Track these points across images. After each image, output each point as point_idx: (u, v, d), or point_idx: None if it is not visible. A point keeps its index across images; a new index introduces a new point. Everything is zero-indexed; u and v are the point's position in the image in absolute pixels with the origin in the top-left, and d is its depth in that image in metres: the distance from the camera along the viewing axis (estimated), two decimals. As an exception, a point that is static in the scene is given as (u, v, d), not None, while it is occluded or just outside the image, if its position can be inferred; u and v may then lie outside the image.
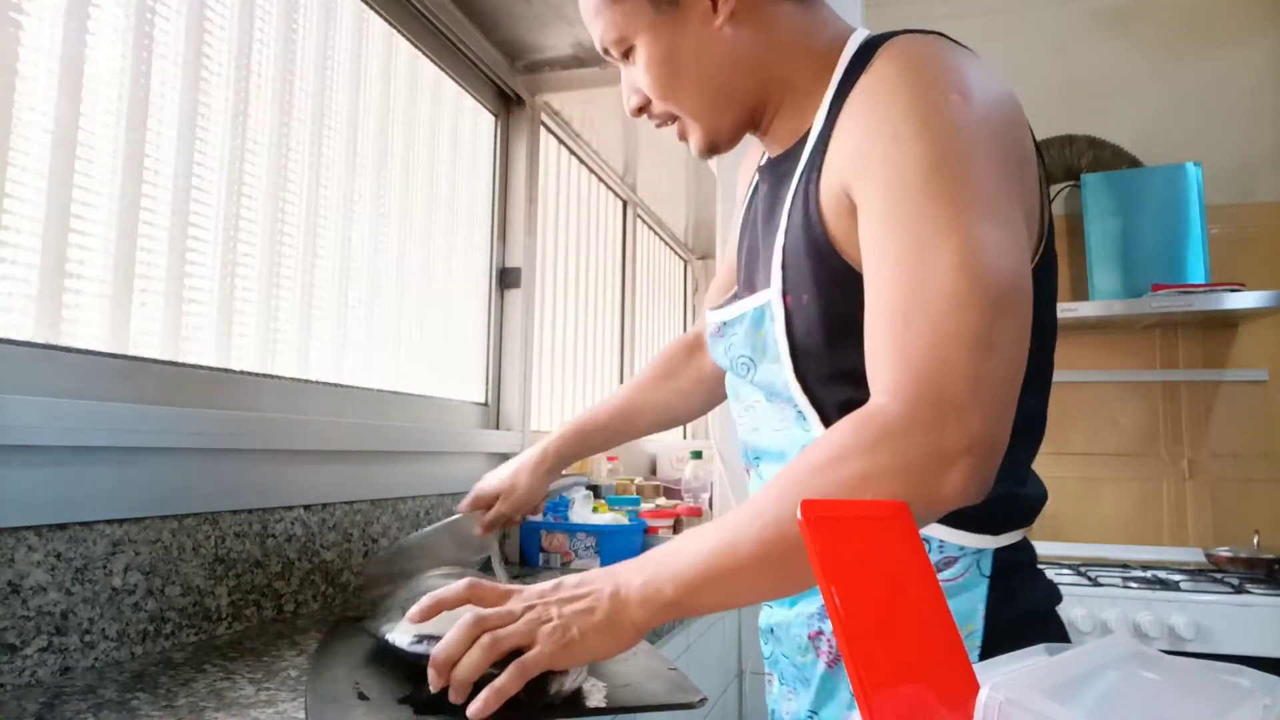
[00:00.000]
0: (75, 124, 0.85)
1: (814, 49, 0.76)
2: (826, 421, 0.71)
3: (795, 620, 0.78)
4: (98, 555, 0.80)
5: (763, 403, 0.78)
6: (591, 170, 2.51)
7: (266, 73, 1.13)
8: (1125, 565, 2.19)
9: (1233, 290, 2.20)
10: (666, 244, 3.35)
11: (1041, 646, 0.44)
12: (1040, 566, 0.77)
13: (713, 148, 0.81)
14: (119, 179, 0.91)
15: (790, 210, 0.73)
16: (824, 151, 0.70)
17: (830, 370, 0.70)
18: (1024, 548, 0.74)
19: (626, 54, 0.78)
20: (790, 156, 0.77)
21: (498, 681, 0.59)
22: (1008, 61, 2.72)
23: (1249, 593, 1.83)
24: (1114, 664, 0.40)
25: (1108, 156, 2.50)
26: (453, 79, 1.64)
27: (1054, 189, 2.62)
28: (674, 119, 0.80)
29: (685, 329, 3.61)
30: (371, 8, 1.38)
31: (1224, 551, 2.16)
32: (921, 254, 0.59)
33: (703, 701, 0.67)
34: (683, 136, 0.82)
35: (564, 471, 1.14)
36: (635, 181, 2.78)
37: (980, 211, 0.59)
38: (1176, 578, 1.97)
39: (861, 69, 0.69)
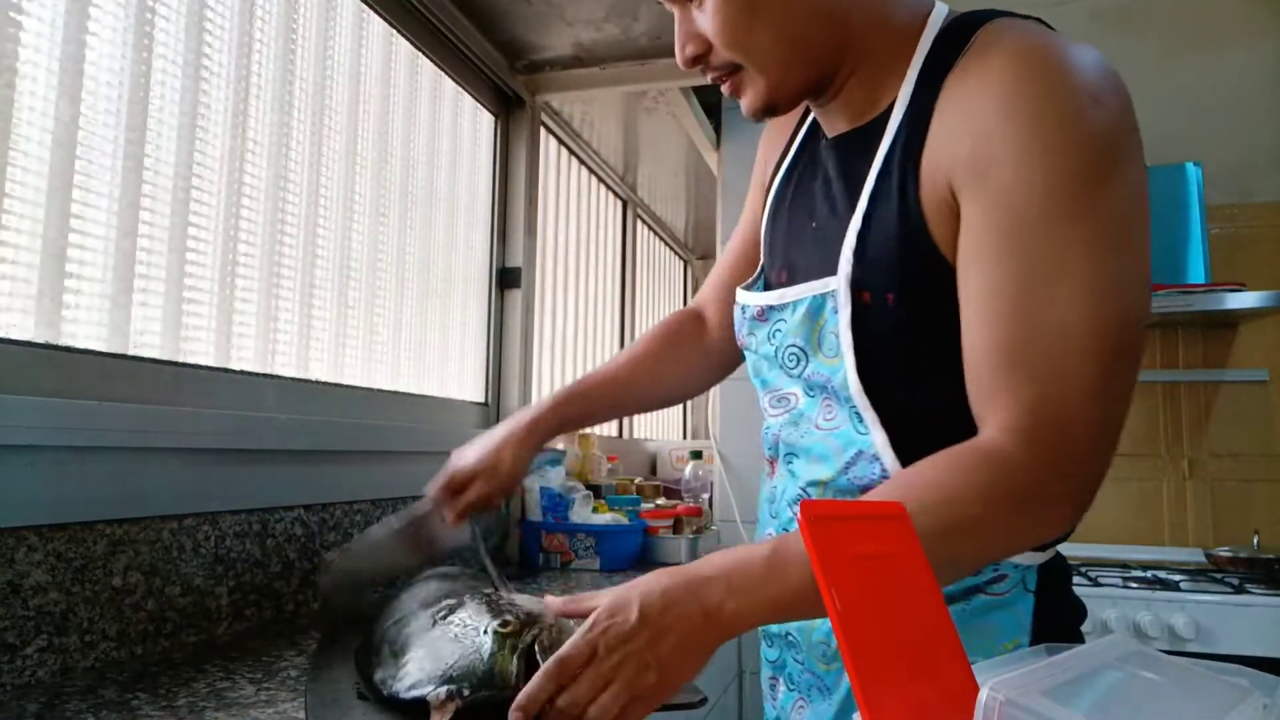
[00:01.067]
0: (75, 124, 0.85)
1: (894, 16, 0.71)
2: (889, 428, 0.66)
3: (820, 626, 0.75)
4: (98, 555, 0.80)
5: (802, 396, 0.74)
6: (591, 170, 2.51)
7: (266, 73, 1.13)
8: (1125, 565, 2.19)
9: (1233, 290, 2.20)
10: (666, 244, 3.35)
11: (1042, 647, 0.44)
12: (1104, 594, 0.79)
13: (770, 106, 0.74)
14: (119, 179, 0.91)
15: (874, 195, 0.68)
16: (922, 137, 0.65)
17: (904, 375, 0.66)
18: (1060, 559, 0.73)
19: None
20: (869, 133, 0.71)
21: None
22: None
23: (1249, 593, 1.83)
24: (1114, 664, 0.41)
25: (1108, 156, 2.50)
26: (453, 79, 1.64)
27: (1054, 189, 2.61)
28: (732, 72, 0.73)
29: (685, 329, 3.61)
30: (371, 8, 1.38)
31: (1224, 551, 2.16)
32: (1043, 284, 0.57)
33: (703, 701, 0.67)
34: (735, 93, 0.74)
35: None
36: (635, 181, 2.78)
37: (1110, 240, 0.56)
38: (1176, 578, 1.97)
39: (952, 49, 0.65)
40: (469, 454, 0.95)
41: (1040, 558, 0.69)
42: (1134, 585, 1.88)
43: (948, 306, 0.63)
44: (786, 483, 0.78)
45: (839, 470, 0.70)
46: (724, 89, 0.75)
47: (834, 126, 0.77)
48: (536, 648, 0.62)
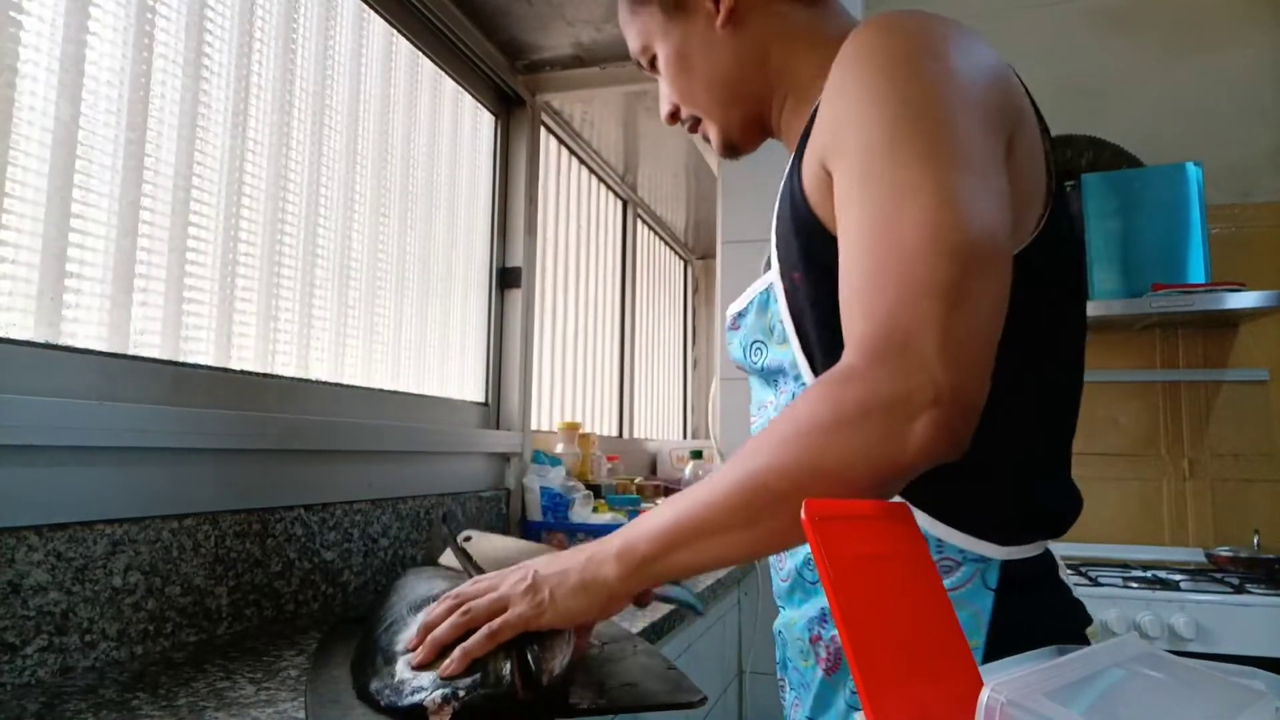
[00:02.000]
0: (75, 124, 0.85)
1: (818, 43, 0.76)
2: None
3: (799, 622, 0.76)
4: (98, 555, 0.80)
5: (773, 401, 0.78)
6: (591, 170, 2.51)
7: (266, 73, 1.13)
8: (1125, 565, 2.19)
9: (1233, 290, 2.20)
10: (666, 244, 3.35)
11: (1052, 648, 0.44)
12: (1066, 582, 0.71)
13: (730, 144, 0.85)
14: (119, 179, 0.90)
15: (781, 194, 0.73)
16: (808, 134, 0.69)
17: (834, 348, 0.66)
18: (1042, 560, 0.68)
19: (652, 62, 0.84)
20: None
21: (467, 643, 0.61)
22: (1008, 61, 2.72)
23: (1249, 593, 1.83)
24: (1122, 665, 0.40)
25: (1108, 156, 2.51)
26: (453, 79, 1.64)
27: (1054, 189, 2.61)
28: (698, 122, 0.85)
29: (686, 329, 3.61)
30: (371, 7, 1.38)
31: (1224, 551, 2.16)
32: (892, 212, 0.56)
33: (703, 701, 0.67)
34: (705, 138, 0.86)
35: None
36: (635, 181, 2.78)
37: (952, 164, 0.56)
38: (1176, 578, 1.97)
39: None
40: None
41: (1004, 552, 0.64)
42: (1134, 585, 1.88)
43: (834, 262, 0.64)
44: None
45: None
46: (700, 136, 0.86)
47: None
48: (524, 639, 0.62)
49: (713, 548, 0.58)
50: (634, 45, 0.85)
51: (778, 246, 0.73)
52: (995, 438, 0.63)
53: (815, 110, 0.70)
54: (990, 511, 0.64)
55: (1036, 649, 0.45)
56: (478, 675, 0.60)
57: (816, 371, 0.70)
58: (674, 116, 0.86)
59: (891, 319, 0.53)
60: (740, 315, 0.81)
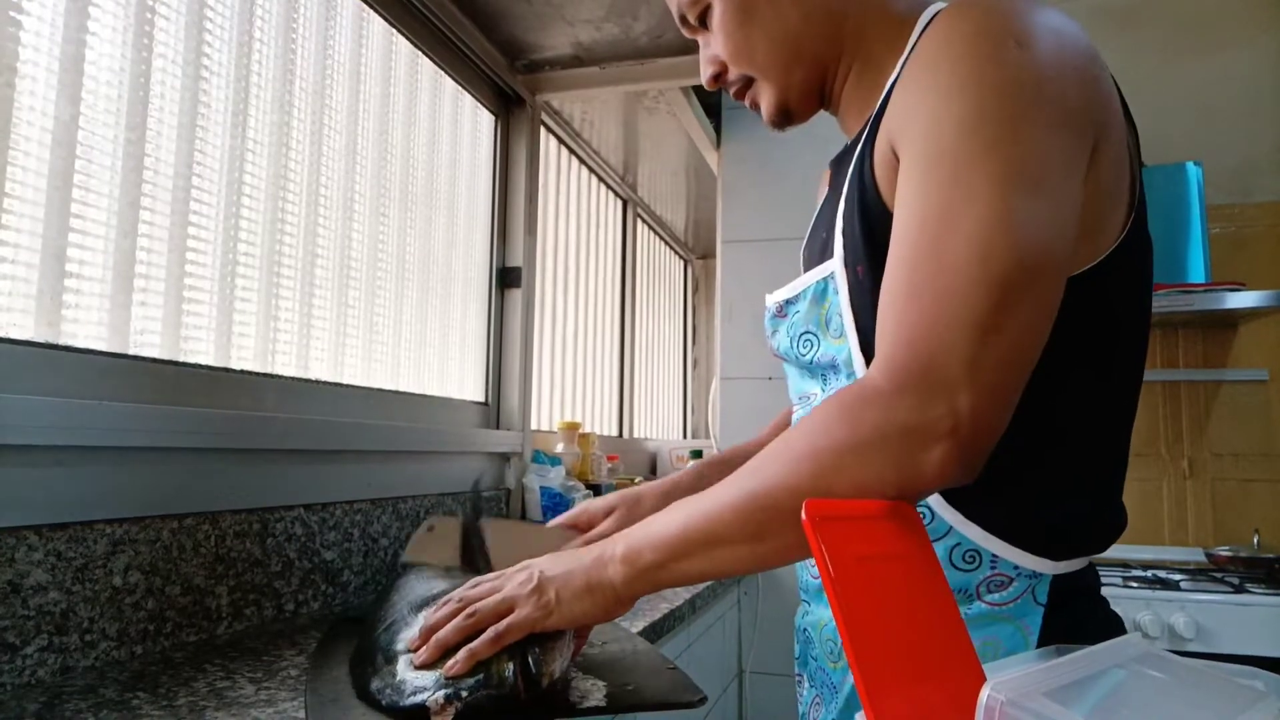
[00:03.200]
0: (75, 124, 0.85)
1: (890, 15, 0.73)
2: None
3: (830, 624, 0.75)
4: (98, 555, 0.80)
5: (820, 395, 0.75)
6: (591, 170, 2.51)
7: (266, 73, 1.13)
8: (1125, 565, 2.19)
9: (1233, 290, 2.20)
10: (666, 244, 3.34)
11: (1053, 647, 0.44)
12: (1104, 595, 0.71)
13: (784, 110, 0.78)
14: (119, 179, 0.90)
15: (850, 177, 0.70)
16: (882, 115, 0.66)
17: None
18: (1087, 573, 0.67)
19: (703, 18, 0.78)
20: (864, 129, 0.73)
21: (474, 645, 0.61)
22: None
23: (1249, 593, 1.83)
24: (1123, 665, 0.40)
25: (1108, 156, 2.50)
26: (453, 78, 1.64)
27: (1054, 189, 2.61)
28: (747, 86, 0.79)
29: (685, 329, 3.61)
30: (371, 7, 1.38)
31: (1224, 551, 2.16)
32: (944, 222, 0.54)
33: (702, 700, 0.67)
34: (754, 105, 0.80)
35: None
36: (635, 181, 2.78)
37: (1019, 180, 0.53)
38: (1176, 577, 1.97)
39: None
40: (600, 500, 0.95)
41: (1056, 567, 0.63)
42: (1134, 585, 1.88)
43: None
44: None
45: None
46: (746, 103, 0.80)
47: (849, 132, 0.79)
48: (526, 640, 0.62)
49: (719, 559, 0.58)
50: None
51: (844, 233, 0.69)
52: (1059, 454, 0.63)
53: (889, 90, 0.67)
54: (1046, 528, 0.63)
55: (1038, 649, 0.45)
56: (481, 676, 0.60)
57: None
58: (717, 79, 0.80)
59: (923, 343, 0.52)
60: (789, 303, 0.78)
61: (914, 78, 0.61)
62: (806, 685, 0.81)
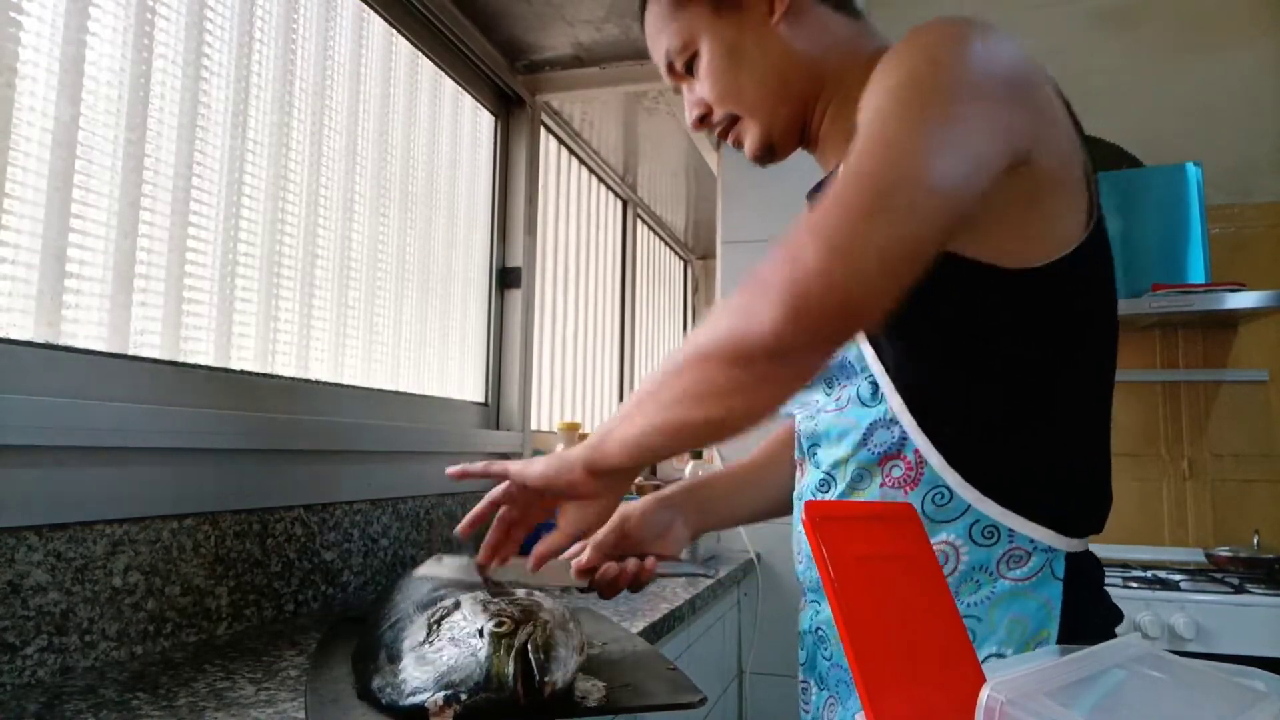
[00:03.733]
0: (75, 124, 0.85)
1: (862, 56, 0.79)
2: (904, 393, 0.71)
3: None
4: (98, 555, 0.80)
5: (821, 400, 0.79)
6: (591, 170, 2.51)
7: (266, 73, 1.13)
8: (1125, 565, 2.19)
9: (1233, 290, 2.20)
10: (666, 244, 3.35)
11: (1054, 647, 0.44)
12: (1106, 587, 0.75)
13: (768, 147, 0.83)
14: (119, 179, 0.90)
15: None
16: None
17: (898, 337, 0.71)
18: (1097, 563, 0.72)
19: (689, 64, 0.83)
20: (836, 166, 0.79)
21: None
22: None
23: (1249, 593, 1.83)
24: (1123, 665, 0.40)
25: (1108, 156, 2.51)
26: (453, 79, 1.64)
27: (1054, 189, 2.61)
28: (732, 125, 0.83)
29: (685, 329, 3.61)
30: (371, 8, 1.38)
31: (1224, 551, 2.16)
32: (863, 158, 0.59)
33: (702, 701, 0.67)
34: (738, 143, 0.85)
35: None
36: (635, 181, 2.78)
37: (926, 122, 0.59)
38: (1176, 578, 1.97)
39: None
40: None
41: (1068, 543, 0.68)
42: (1134, 585, 1.88)
43: None
44: (810, 474, 0.81)
45: (857, 444, 0.73)
46: (730, 142, 0.85)
47: (827, 167, 0.85)
48: (530, 646, 0.62)
49: (636, 444, 0.68)
50: (672, 45, 0.83)
51: None
52: (1057, 432, 0.69)
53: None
54: (1056, 503, 0.68)
55: (1038, 649, 0.46)
56: (481, 678, 0.59)
57: (885, 365, 0.71)
58: (703, 120, 0.84)
59: (800, 228, 0.57)
60: None
61: (868, 88, 0.67)
62: (815, 689, 0.81)
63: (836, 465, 0.76)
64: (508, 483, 0.79)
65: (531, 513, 0.82)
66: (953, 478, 0.68)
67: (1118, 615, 0.74)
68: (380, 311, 1.40)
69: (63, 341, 0.84)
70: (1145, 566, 2.17)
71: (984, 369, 0.68)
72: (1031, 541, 0.67)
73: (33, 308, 0.81)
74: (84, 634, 0.78)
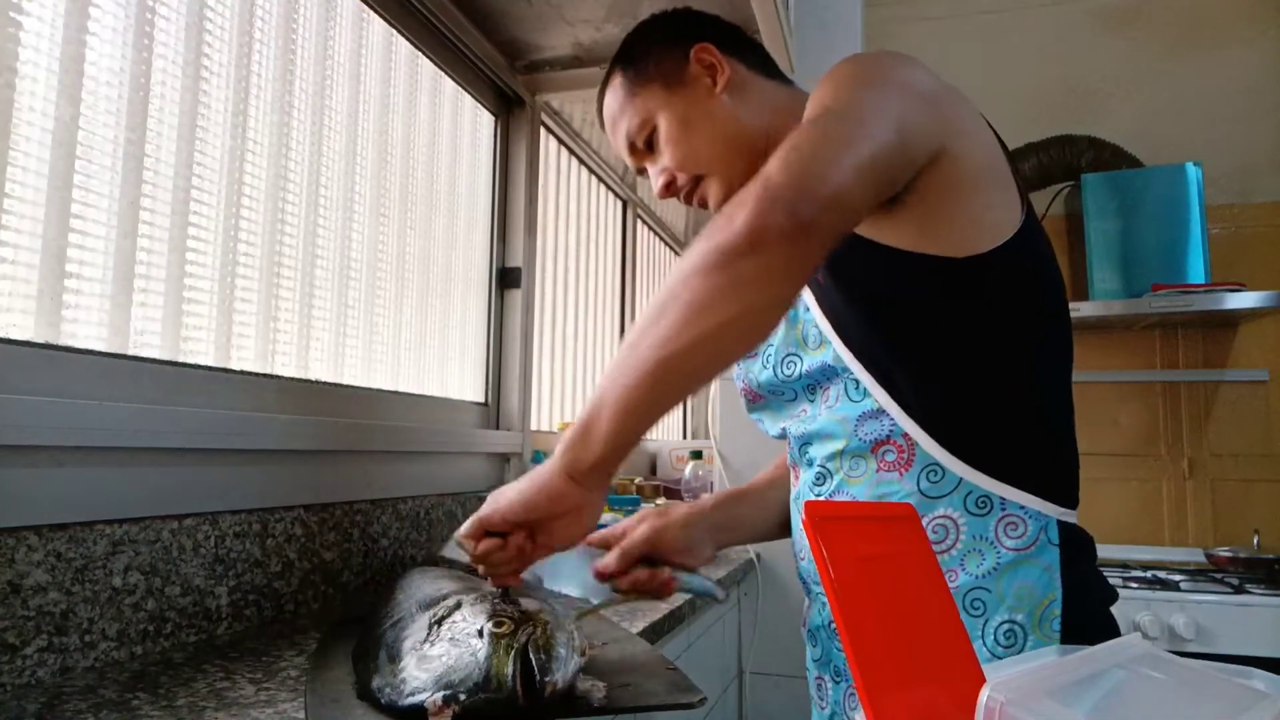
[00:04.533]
0: (75, 124, 0.85)
1: (798, 110, 0.87)
2: (885, 385, 0.76)
3: None
4: (98, 555, 0.80)
5: (810, 410, 0.84)
6: (591, 170, 2.51)
7: (266, 73, 1.13)
8: (1125, 565, 2.19)
9: (1233, 290, 2.20)
10: (666, 244, 3.34)
11: (1053, 648, 0.44)
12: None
13: (730, 198, 0.89)
14: (119, 179, 0.90)
15: None
16: None
17: (869, 334, 0.76)
18: (1084, 533, 0.76)
19: (649, 141, 0.93)
20: None
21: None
22: (1008, 61, 2.72)
23: (1249, 593, 1.83)
24: (1123, 666, 0.40)
25: (1108, 156, 2.50)
26: (453, 79, 1.64)
27: (1054, 189, 2.62)
28: (695, 187, 0.93)
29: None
30: (371, 8, 1.38)
31: (1224, 551, 2.16)
32: (797, 135, 0.65)
33: (702, 701, 0.67)
34: (704, 203, 0.95)
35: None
36: (635, 181, 2.78)
37: (852, 92, 0.67)
38: (1176, 578, 1.97)
39: None
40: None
41: (1056, 510, 0.73)
42: (1134, 585, 1.88)
43: (858, 267, 0.75)
44: (805, 473, 0.86)
45: (849, 435, 0.79)
46: (695, 203, 0.95)
47: None
48: (530, 647, 0.62)
49: (630, 407, 0.64)
50: (632, 125, 0.92)
51: None
52: (1030, 405, 0.75)
53: None
54: (1037, 471, 0.73)
55: (1038, 649, 0.46)
56: (480, 678, 0.59)
57: (864, 363, 0.77)
58: (669, 188, 0.94)
59: (761, 172, 0.62)
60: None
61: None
62: (831, 683, 0.83)
63: (831, 458, 0.81)
64: (487, 538, 0.72)
65: (526, 550, 0.73)
66: (942, 455, 0.73)
67: (1113, 593, 0.79)
68: (380, 311, 1.40)
69: (63, 341, 0.84)
70: (1145, 566, 2.17)
71: (955, 352, 0.74)
72: (1022, 508, 0.72)
73: (33, 308, 0.81)
74: (84, 634, 0.78)
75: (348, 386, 1.28)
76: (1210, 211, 2.42)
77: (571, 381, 2.36)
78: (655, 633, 1.05)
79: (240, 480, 1.00)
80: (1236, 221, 2.52)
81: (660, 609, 1.13)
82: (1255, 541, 2.27)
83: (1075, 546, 0.73)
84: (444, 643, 0.65)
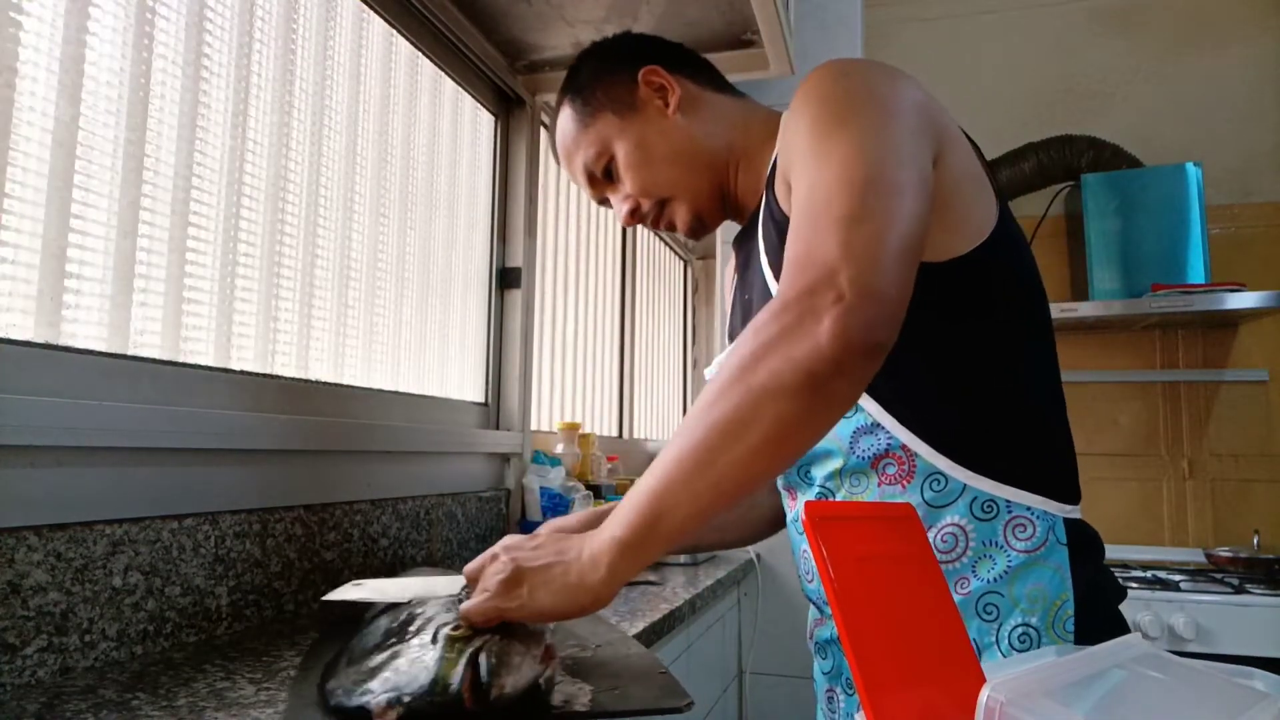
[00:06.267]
0: (75, 124, 0.85)
1: (755, 123, 0.91)
2: (876, 395, 0.74)
3: None
4: (98, 555, 0.80)
5: None
6: (591, 170, 2.51)
7: (266, 73, 1.13)
8: (1125, 565, 2.19)
9: (1233, 290, 2.20)
10: (666, 244, 3.34)
11: (1053, 648, 0.44)
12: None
13: (698, 218, 0.93)
14: (119, 179, 0.90)
15: (761, 225, 0.82)
16: (774, 171, 0.80)
17: None
18: (1091, 529, 0.75)
19: (608, 169, 0.92)
20: (758, 202, 0.87)
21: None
22: (1008, 61, 2.72)
23: (1249, 593, 1.83)
24: (1123, 666, 0.40)
25: (1108, 156, 2.50)
26: (453, 79, 1.64)
27: (1054, 189, 2.62)
28: (661, 212, 0.92)
29: (685, 329, 3.61)
30: (371, 8, 1.38)
31: (1224, 551, 2.16)
32: (817, 173, 0.65)
33: (689, 706, 0.66)
34: (670, 225, 0.93)
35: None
36: (635, 181, 2.77)
37: (866, 131, 0.65)
38: (1176, 578, 1.97)
39: None
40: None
41: (1060, 509, 0.72)
42: (1134, 585, 1.88)
43: None
44: (803, 494, 0.84)
45: (846, 453, 0.77)
46: (662, 228, 0.94)
47: (742, 222, 0.94)
48: (484, 652, 0.61)
49: (683, 509, 0.59)
50: (588, 156, 0.92)
51: (770, 265, 0.80)
52: (1025, 405, 0.74)
53: (775, 155, 0.80)
54: (1039, 470, 0.72)
55: (1039, 649, 0.46)
56: (426, 682, 0.59)
57: None
58: (634, 214, 0.93)
59: (808, 247, 0.61)
60: None
61: (788, 122, 0.74)
62: (843, 695, 0.83)
63: (831, 477, 0.79)
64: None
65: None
66: (944, 463, 0.72)
67: (1122, 591, 0.78)
68: (380, 312, 1.40)
69: (63, 341, 0.84)
70: (1145, 566, 2.17)
71: (946, 357, 0.73)
72: (1029, 509, 0.71)
73: (33, 308, 0.81)
74: (84, 634, 0.78)
75: (348, 386, 1.28)
76: (1210, 211, 2.42)
77: (571, 381, 2.36)
78: (655, 633, 1.05)
79: (240, 480, 1.00)
80: (1236, 221, 2.52)
81: (660, 609, 1.13)
82: (1255, 541, 2.27)
83: (1083, 544, 0.72)
84: (401, 645, 0.64)
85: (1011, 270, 0.75)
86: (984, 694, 0.35)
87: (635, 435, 2.86)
